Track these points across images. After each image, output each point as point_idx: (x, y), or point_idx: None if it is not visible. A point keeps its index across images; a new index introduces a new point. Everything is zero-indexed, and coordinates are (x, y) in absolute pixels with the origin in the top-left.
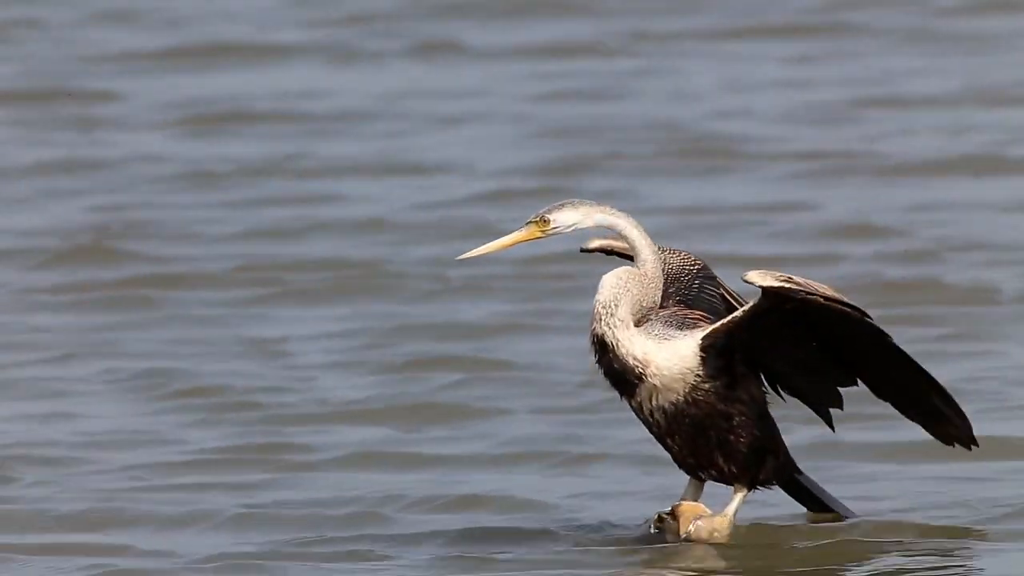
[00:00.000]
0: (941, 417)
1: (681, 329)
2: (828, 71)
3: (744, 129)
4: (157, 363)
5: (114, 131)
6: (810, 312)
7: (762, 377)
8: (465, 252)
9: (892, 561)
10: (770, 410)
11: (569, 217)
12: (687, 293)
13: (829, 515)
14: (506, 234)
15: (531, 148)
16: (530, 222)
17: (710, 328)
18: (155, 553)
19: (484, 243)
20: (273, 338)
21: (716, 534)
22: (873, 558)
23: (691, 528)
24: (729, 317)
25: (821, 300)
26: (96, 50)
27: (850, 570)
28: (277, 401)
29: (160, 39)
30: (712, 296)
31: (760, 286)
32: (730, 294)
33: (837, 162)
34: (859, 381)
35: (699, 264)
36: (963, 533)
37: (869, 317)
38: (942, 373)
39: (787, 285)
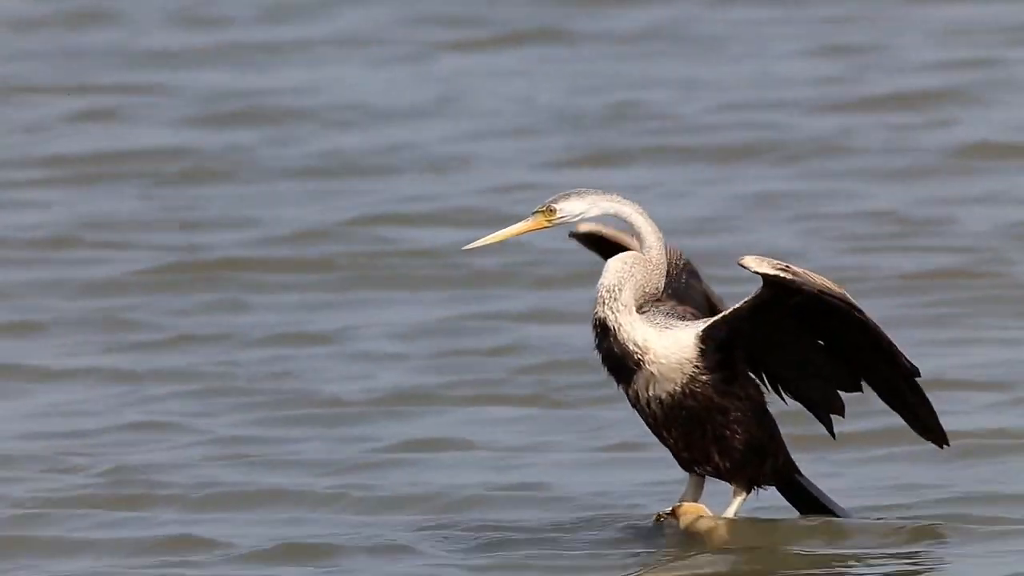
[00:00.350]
0: (915, 415)
1: (683, 320)
2: (868, 61)
3: (788, 120)
4: (224, 354)
5: (165, 124)
6: (806, 303)
7: (763, 379)
8: (473, 241)
9: (893, 559)
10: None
11: (576, 206)
12: (675, 286)
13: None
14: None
15: (569, 138)
16: (536, 212)
17: (711, 320)
18: (221, 538)
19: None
20: (336, 328)
21: (716, 535)
22: (873, 556)
23: (691, 530)
24: (730, 309)
25: (814, 289)
26: (155, 45)
27: (851, 569)
28: (339, 390)
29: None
30: (696, 293)
31: (755, 271)
32: (711, 294)
33: (883, 155)
34: (862, 384)
35: (684, 259)
36: (987, 525)
37: (859, 310)
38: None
39: (782, 273)
